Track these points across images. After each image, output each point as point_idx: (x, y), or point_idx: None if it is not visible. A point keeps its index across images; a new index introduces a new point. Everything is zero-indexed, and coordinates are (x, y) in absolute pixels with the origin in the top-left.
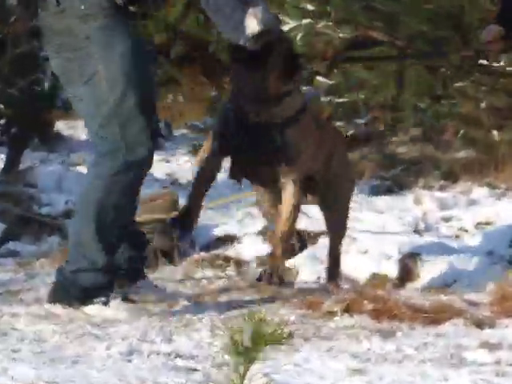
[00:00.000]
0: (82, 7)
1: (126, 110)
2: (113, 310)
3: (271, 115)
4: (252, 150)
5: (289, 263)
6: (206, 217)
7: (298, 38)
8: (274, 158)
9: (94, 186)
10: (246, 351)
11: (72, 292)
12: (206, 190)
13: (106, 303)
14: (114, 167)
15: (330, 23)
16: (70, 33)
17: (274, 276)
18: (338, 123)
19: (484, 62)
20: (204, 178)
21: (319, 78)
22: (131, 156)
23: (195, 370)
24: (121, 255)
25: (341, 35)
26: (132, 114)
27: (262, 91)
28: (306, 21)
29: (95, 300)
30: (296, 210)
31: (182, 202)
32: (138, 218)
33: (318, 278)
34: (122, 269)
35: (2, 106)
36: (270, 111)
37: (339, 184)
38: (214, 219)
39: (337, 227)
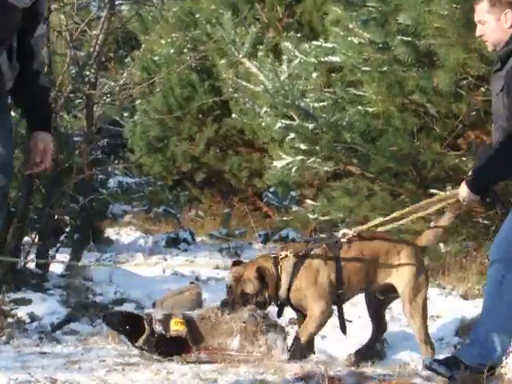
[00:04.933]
0: None
1: None
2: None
3: None
4: None
5: None
6: None
7: (293, 170)
8: None
9: None
10: None
11: None
12: None
13: None
14: None
15: (318, 159)
16: None
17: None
18: (322, 235)
19: (433, 191)
20: None
21: (307, 201)
22: None
23: None
24: None
25: (325, 168)
26: None
27: None
28: (299, 157)
29: None
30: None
31: (205, 294)
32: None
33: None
34: None
35: (68, 218)
36: None
37: None
38: None
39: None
